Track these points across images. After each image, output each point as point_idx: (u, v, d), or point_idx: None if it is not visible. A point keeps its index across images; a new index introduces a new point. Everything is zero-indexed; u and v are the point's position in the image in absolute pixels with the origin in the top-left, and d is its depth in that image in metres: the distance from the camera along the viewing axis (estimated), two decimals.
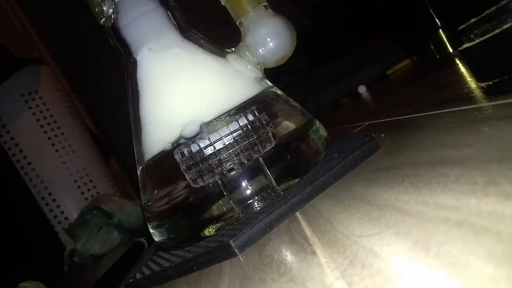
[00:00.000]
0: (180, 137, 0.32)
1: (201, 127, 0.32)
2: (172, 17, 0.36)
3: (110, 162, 1.44)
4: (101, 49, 1.10)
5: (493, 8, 0.25)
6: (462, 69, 0.49)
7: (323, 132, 0.36)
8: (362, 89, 1.03)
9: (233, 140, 0.30)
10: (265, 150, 0.31)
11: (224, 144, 0.30)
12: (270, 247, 0.24)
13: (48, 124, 1.12)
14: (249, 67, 0.35)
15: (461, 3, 0.46)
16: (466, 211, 0.14)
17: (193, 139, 0.30)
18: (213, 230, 0.32)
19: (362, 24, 1.15)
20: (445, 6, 0.74)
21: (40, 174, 1.10)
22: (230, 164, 0.30)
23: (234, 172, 0.30)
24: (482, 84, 0.28)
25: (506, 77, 0.25)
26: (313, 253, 0.19)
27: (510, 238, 0.12)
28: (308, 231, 0.22)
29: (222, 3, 0.38)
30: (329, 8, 1.25)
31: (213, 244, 0.29)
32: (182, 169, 0.30)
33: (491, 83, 0.27)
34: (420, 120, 0.34)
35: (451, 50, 0.78)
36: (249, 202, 0.31)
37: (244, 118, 0.30)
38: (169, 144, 0.32)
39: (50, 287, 0.69)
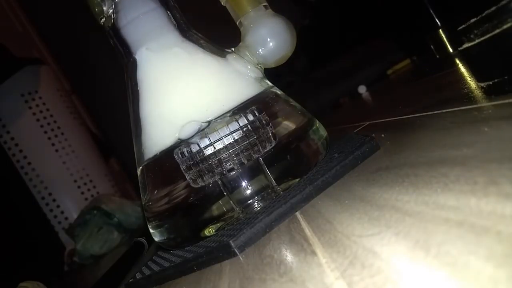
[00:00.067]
0: (180, 137, 0.32)
1: (201, 127, 0.32)
2: (172, 17, 0.36)
3: (110, 162, 1.44)
4: (101, 49, 1.10)
5: (493, 8, 0.25)
6: (462, 69, 0.49)
7: (323, 132, 0.36)
8: (362, 89, 1.03)
9: (233, 140, 0.30)
10: (265, 150, 0.31)
11: (224, 144, 0.30)
12: (270, 247, 0.24)
13: (48, 124, 1.12)
14: (249, 67, 0.35)
15: (461, 3, 0.46)
16: (466, 211, 0.14)
17: (193, 139, 0.30)
18: (213, 230, 0.32)
19: (362, 24, 1.14)
20: (445, 6, 0.74)
21: (40, 174, 1.10)
22: (230, 164, 0.30)
23: (234, 172, 0.30)
24: (482, 84, 0.28)
25: (506, 77, 0.25)
26: (313, 253, 0.19)
27: (510, 238, 0.12)
28: (308, 231, 0.22)
29: (222, 3, 0.38)
30: (329, 8, 1.25)
31: (213, 244, 0.29)
32: (182, 169, 0.30)
33: (491, 83, 0.27)
34: (420, 120, 0.34)
35: (451, 50, 0.78)
36: (249, 202, 0.31)
37: (244, 118, 0.30)
38: (169, 144, 0.32)
39: (50, 287, 0.69)
